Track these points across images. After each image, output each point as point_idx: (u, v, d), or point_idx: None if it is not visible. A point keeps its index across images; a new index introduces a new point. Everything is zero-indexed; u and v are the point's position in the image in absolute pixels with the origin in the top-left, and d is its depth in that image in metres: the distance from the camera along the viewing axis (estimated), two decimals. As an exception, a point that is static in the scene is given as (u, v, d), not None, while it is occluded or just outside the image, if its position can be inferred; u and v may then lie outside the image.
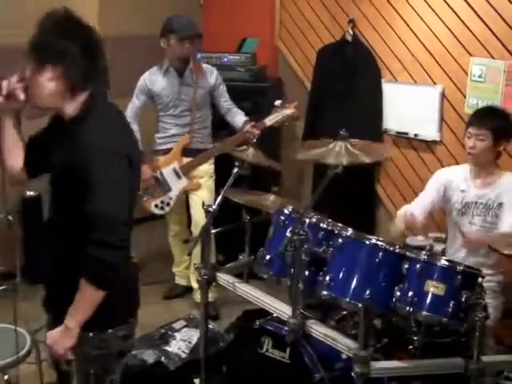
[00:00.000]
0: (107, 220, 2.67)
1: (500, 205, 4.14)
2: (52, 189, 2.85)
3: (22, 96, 2.76)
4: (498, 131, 4.14)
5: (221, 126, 5.84)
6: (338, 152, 3.44)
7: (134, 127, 5.53)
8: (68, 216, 2.77)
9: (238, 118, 5.68)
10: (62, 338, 2.77)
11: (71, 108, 2.78)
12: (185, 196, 5.72)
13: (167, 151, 5.62)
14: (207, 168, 5.65)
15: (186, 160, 5.60)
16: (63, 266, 2.83)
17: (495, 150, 4.18)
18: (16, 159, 2.95)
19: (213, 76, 5.64)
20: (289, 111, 5.43)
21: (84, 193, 2.64)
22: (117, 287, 2.78)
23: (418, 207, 4.36)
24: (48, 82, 2.71)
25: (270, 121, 5.44)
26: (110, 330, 2.87)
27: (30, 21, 2.74)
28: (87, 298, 2.71)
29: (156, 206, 5.63)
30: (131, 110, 5.58)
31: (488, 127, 4.13)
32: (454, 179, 4.33)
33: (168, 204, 5.61)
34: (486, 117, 4.24)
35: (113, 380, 2.97)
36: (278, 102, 5.50)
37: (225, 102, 5.71)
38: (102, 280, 2.69)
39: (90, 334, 2.81)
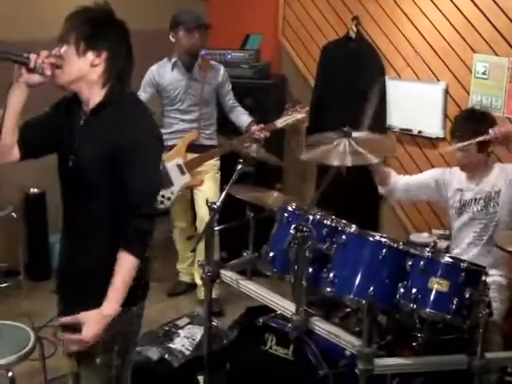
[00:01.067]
0: (152, 195, 2.87)
1: (498, 193, 4.15)
2: (78, 176, 2.85)
3: (48, 72, 2.78)
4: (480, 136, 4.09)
5: (225, 123, 5.83)
6: (342, 152, 3.41)
7: None
8: (101, 200, 2.83)
9: (243, 117, 5.68)
10: (96, 324, 2.74)
11: (98, 97, 2.85)
12: (190, 192, 5.72)
13: (172, 147, 5.61)
14: (213, 163, 5.65)
15: (190, 156, 5.60)
16: (92, 252, 2.87)
17: (483, 153, 4.17)
18: (9, 133, 2.92)
19: (220, 73, 5.65)
20: (300, 115, 5.49)
21: (123, 174, 2.76)
22: (144, 262, 2.90)
23: (406, 178, 4.46)
24: (87, 67, 2.80)
25: (280, 123, 5.49)
26: (135, 307, 2.92)
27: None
28: (130, 270, 2.76)
29: None
30: None
31: (468, 137, 4.08)
32: (449, 179, 4.36)
33: (169, 199, 5.59)
34: (464, 126, 4.19)
35: (130, 360, 3.02)
36: (288, 105, 5.55)
37: (229, 100, 5.72)
38: (144, 250, 2.81)
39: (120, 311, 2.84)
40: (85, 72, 2.80)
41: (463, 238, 4.27)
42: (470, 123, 4.19)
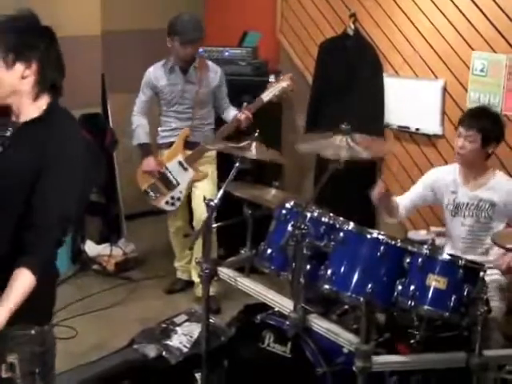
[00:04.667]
0: (60, 217, 2.65)
1: (492, 205, 4.15)
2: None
3: None
4: (487, 133, 4.14)
5: (223, 124, 5.82)
6: (339, 146, 3.42)
7: (143, 121, 5.63)
8: (12, 217, 2.66)
9: (231, 112, 5.70)
10: None
11: (32, 110, 2.73)
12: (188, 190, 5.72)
13: (171, 144, 5.66)
14: (209, 154, 5.67)
15: (189, 153, 5.61)
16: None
17: (484, 152, 4.18)
18: None
19: (217, 76, 5.64)
20: (284, 83, 5.51)
21: (36, 191, 2.61)
22: (52, 280, 2.84)
23: (404, 197, 4.50)
24: (17, 80, 2.68)
25: (266, 96, 5.50)
26: (46, 326, 2.80)
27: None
28: (25, 288, 2.58)
29: (167, 202, 5.65)
30: (139, 104, 5.63)
31: (477, 129, 4.12)
32: (443, 180, 4.36)
33: (179, 199, 5.63)
34: (476, 118, 4.23)
35: (53, 374, 2.91)
36: (271, 77, 5.54)
37: (225, 103, 5.74)
38: (42, 271, 2.62)
39: (33, 332, 2.73)
40: (16, 85, 2.68)
41: (457, 242, 4.27)
42: (482, 118, 4.22)
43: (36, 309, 2.71)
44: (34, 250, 2.61)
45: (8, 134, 2.74)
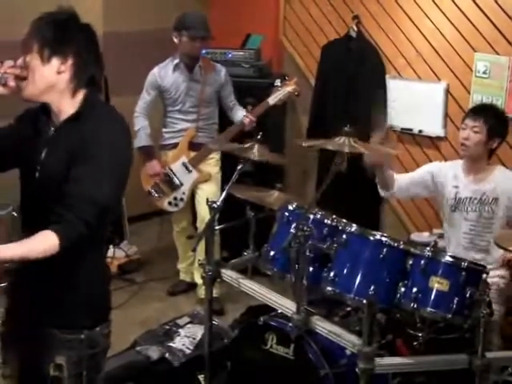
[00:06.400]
0: (92, 200, 2.58)
1: (495, 200, 4.16)
2: (44, 187, 2.70)
3: (12, 83, 2.68)
4: (492, 126, 4.17)
5: (226, 124, 5.82)
6: (341, 144, 3.42)
7: (144, 122, 5.62)
8: None
9: (238, 113, 5.72)
10: None
11: (70, 107, 2.72)
12: (190, 191, 5.72)
13: (175, 145, 5.67)
14: (213, 155, 5.70)
15: (193, 154, 5.63)
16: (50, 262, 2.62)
17: (488, 146, 4.20)
18: None
19: (221, 74, 5.68)
20: (290, 88, 5.56)
21: (73, 174, 2.58)
22: (103, 284, 2.88)
23: (404, 175, 4.52)
24: (54, 75, 2.67)
25: (272, 100, 5.54)
26: (98, 328, 2.80)
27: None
28: (46, 247, 2.51)
29: (170, 203, 5.66)
30: (142, 104, 5.63)
31: (483, 120, 4.16)
32: (445, 174, 4.36)
33: (181, 199, 5.64)
34: (483, 111, 4.29)
35: (101, 376, 2.91)
36: (277, 81, 5.57)
37: (231, 101, 5.77)
38: (69, 243, 2.55)
39: (82, 336, 2.74)
40: (52, 80, 2.66)
41: (457, 239, 4.27)
42: (488, 111, 4.31)
43: (87, 313, 2.75)
44: (60, 220, 2.53)
45: (51, 134, 2.75)
